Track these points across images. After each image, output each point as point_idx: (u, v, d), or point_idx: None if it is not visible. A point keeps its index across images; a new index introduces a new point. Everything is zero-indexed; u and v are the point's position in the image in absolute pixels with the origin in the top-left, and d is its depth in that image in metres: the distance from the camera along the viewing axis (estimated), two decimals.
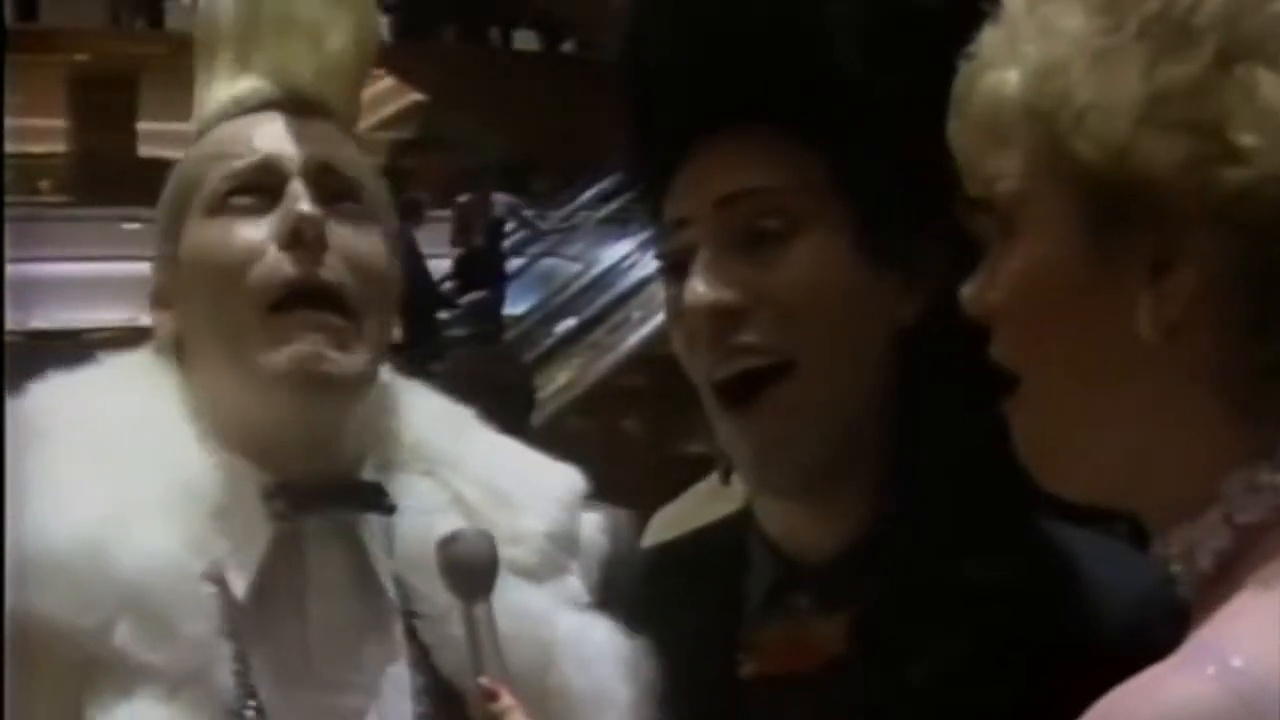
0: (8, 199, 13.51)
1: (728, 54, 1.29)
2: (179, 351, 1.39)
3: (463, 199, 12.84)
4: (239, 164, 1.37)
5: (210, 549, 1.29)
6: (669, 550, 1.54)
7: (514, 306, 12.30)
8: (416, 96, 17.07)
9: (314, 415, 1.33)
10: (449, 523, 1.36)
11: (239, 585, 1.30)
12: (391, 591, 1.36)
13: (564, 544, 1.41)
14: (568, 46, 18.18)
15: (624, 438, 10.71)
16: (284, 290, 1.32)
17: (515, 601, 1.34)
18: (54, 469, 1.28)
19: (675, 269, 1.32)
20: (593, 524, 1.45)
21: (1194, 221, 0.90)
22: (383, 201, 1.43)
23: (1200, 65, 0.90)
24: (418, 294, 11.15)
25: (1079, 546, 1.30)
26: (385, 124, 18.05)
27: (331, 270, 1.33)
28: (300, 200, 1.34)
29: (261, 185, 1.36)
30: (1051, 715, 1.16)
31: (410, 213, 11.34)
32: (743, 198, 1.29)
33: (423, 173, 13.55)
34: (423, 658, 1.36)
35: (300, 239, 1.32)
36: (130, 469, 1.30)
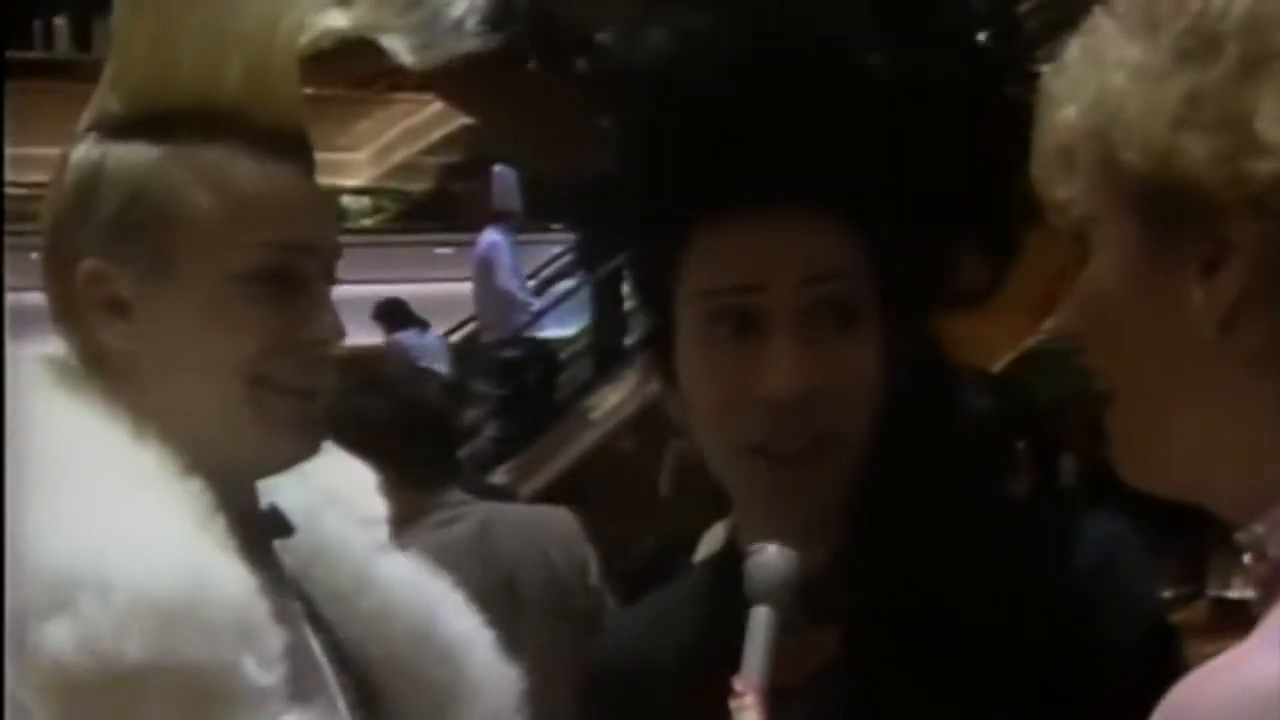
0: None
1: (795, 132, 1.31)
2: (121, 368, 1.33)
3: None
4: (271, 237, 1.33)
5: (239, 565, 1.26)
6: (677, 589, 1.58)
7: (565, 328, 12.32)
8: (465, 120, 17.14)
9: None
10: (326, 509, 1.47)
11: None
12: (291, 588, 1.40)
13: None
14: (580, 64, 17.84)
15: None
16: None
17: (394, 571, 1.49)
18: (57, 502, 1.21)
19: (731, 329, 1.33)
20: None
21: (1237, 217, 0.94)
22: None
23: (1226, 67, 0.95)
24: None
25: (1028, 527, 1.36)
26: (434, 148, 18.16)
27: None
28: (332, 318, 1.35)
29: (281, 270, 1.33)
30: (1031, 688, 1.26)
31: None
32: (827, 280, 1.32)
33: (471, 197, 13.60)
34: (332, 644, 1.41)
35: (321, 357, 1.36)
36: (135, 495, 1.24)
